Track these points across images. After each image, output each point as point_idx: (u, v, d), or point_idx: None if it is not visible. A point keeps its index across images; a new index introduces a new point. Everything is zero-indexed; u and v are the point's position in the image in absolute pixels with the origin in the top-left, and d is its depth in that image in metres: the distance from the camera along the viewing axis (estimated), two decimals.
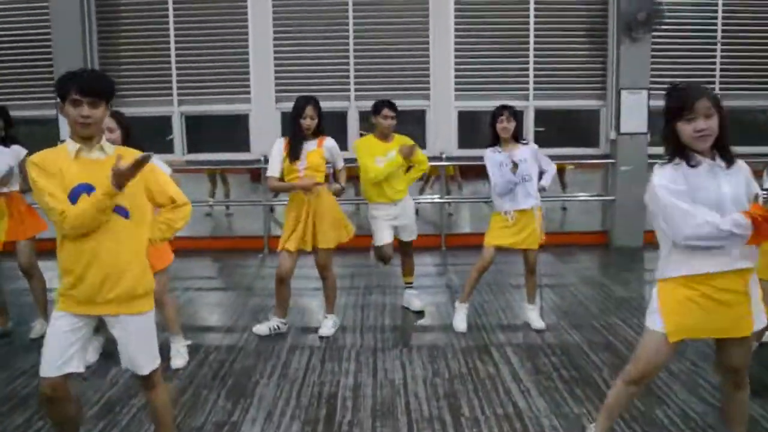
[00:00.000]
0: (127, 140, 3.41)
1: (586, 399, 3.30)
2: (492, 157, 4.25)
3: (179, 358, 3.81)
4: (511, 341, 4.20)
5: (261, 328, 4.34)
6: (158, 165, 3.58)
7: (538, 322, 4.39)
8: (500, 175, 4.17)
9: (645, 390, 2.94)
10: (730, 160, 2.23)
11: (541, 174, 4.36)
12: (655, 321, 2.31)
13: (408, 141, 4.54)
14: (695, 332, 2.33)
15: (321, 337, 4.30)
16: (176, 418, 3.09)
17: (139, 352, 2.32)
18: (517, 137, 4.31)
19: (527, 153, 4.27)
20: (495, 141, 4.30)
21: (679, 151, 2.24)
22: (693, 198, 2.14)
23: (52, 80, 6.83)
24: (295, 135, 4.12)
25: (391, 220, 4.58)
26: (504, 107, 4.25)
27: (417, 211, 5.64)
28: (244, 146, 7.21)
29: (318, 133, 4.18)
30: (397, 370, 3.72)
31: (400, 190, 4.58)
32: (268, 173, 4.17)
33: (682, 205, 2.12)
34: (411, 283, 4.96)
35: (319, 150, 4.16)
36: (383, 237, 4.57)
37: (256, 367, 3.83)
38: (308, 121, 4.09)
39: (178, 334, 3.88)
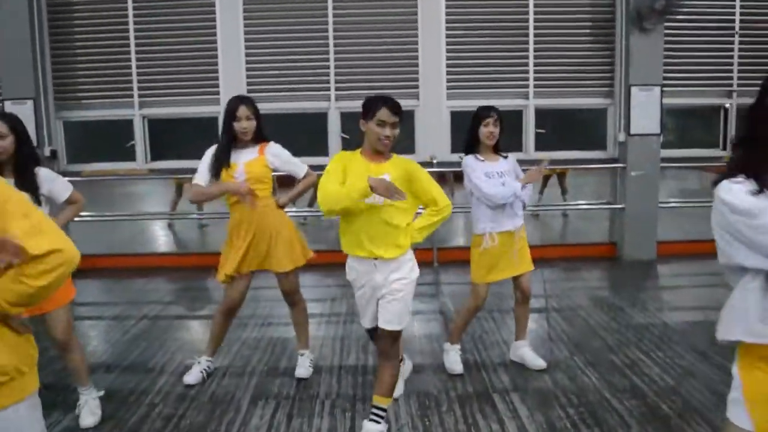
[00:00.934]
0: (21, 147, 2.73)
1: None
2: (476, 165, 3.55)
3: (89, 415, 3.10)
4: (517, 385, 3.51)
5: (191, 377, 3.61)
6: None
7: (536, 361, 3.71)
8: (493, 185, 3.48)
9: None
10: None
11: None
12: (739, 415, 1.59)
13: (410, 168, 2.82)
14: None
15: (299, 379, 3.61)
16: None
17: None
18: (498, 147, 3.63)
19: (508, 166, 3.60)
20: (472, 147, 3.62)
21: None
22: None
23: None
24: (227, 141, 3.42)
25: (368, 289, 2.88)
26: (491, 108, 3.54)
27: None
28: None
29: (259, 138, 3.49)
30: None
31: (385, 244, 2.78)
32: (194, 180, 3.44)
33: None
34: (380, 409, 2.86)
35: (261, 158, 3.46)
36: (362, 316, 3.02)
37: (209, 424, 3.12)
38: (243, 123, 3.39)
39: (87, 385, 3.17)
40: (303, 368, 3.68)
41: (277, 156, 3.51)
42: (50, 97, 6.29)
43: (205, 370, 3.66)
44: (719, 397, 3.07)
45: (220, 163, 3.40)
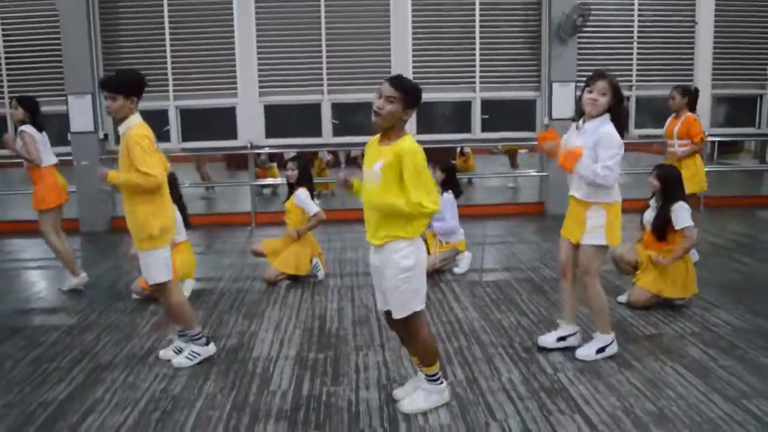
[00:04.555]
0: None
1: (507, 311, 4.58)
2: (450, 200, 5.40)
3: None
4: (459, 281, 5.45)
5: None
6: None
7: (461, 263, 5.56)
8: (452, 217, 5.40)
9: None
10: None
11: None
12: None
13: (402, 153, 2.73)
14: None
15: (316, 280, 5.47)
16: (207, 330, 4.26)
17: None
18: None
19: None
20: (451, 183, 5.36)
21: None
22: None
23: (61, 78, 7.85)
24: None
25: (373, 272, 3.04)
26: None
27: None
28: (232, 135, 8.31)
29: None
30: (369, 299, 4.92)
31: (370, 228, 2.90)
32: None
33: None
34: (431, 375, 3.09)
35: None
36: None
37: (261, 300, 5.00)
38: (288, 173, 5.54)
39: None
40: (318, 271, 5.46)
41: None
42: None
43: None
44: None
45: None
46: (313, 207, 5.34)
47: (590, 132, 3.45)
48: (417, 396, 3.09)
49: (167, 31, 8.10)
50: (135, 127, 3.49)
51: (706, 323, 4.22)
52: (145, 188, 3.45)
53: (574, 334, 3.81)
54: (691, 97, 5.74)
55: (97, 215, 7.99)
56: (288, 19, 8.21)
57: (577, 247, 3.67)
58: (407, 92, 2.77)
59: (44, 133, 5.23)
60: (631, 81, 8.66)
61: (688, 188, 4.97)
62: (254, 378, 3.53)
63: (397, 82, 2.79)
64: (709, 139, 8.30)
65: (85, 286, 5.38)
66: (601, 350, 3.68)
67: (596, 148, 3.42)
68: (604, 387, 3.31)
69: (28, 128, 5.11)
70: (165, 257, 3.60)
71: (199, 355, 3.72)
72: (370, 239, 2.90)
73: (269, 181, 9.92)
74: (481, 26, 8.39)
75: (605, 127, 3.42)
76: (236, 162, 12.19)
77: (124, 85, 3.49)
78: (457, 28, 8.41)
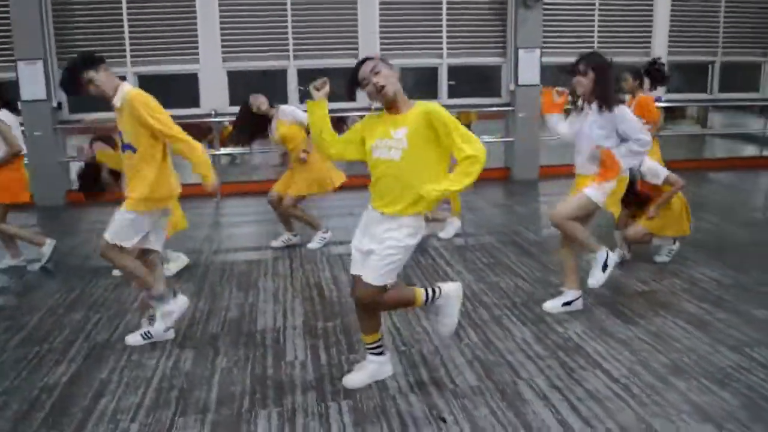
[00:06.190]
0: None
1: (502, 273, 4.63)
2: None
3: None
4: (446, 246, 5.47)
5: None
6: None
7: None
8: None
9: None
10: None
11: None
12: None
13: (429, 113, 2.66)
14: None
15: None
16: (203, 303, 4.12)
17: None
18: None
19: None
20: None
21: None
22: None
23: (9, 44, 7.30)
24: None
25: (362, 238, 2.85)
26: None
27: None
28: (194, 103, 7.96)
29: None
30: None
31: (386, 197, 2.75)
32: None
33: None
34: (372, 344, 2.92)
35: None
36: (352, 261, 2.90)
37: (251, 271, 4.87)
38: None
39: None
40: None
41: None
42: (54, 58, 7.49)
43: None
44: None
45: None
46: (304, 114, 5.05)
47: (607, 120, 3.60)
48: (358, 370, 2.97)
49: None
50: (131, 91, 3.33)
51: (693, 279, 4.40)
52: (194, 146, 3.37)
53: (578, 298, 3.90)
54: (642, 78, 5.32)
55: (53, 189, 7.53)
56: None
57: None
58: (381, 58, 2.79)
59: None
60: (593, 48, 8.80)
61: None
62: (267, 350, 3.44)
63: (380, 59, 2.76)
64: (665, 105, 8.59)
65: (55, 263, 5.11)
66: (567, 304, 3.87)
67: (618, 129, 3.61)
68: (615, 342, 3.41)
69: (4, 115, 4.78)
70: (140, 226, 3.42)
71: (172, 311, 3.55)
72: (381, 207, 2.73)
73: (238, 150, 9.49)
74: None
75: (616, 110, 3.59)
76: (195, 131, 11.70)
77: (79, 69, 3.29)
78: None
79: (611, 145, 3.63)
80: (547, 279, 4.45)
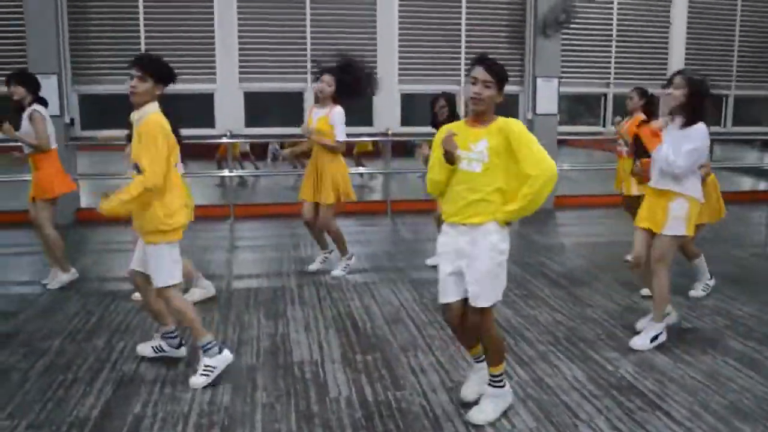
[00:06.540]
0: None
1: (537, 306, 4.50)
2: None
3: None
4: None
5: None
6: None
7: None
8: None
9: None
10: None
11: None
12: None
13: (510, 131, 2.66)
14: None
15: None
16: (232, 332, 3.96)
17: None
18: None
19: None
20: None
21: None
22: None
23: (23, 57, 7.19)
24: None
25: (451, 259, 2.76)
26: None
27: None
28: (209, 123, 7.86)
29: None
30: (391, 296, 4.73)
31: (459, 207, 2.73)
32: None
33: None
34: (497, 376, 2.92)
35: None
36: (441, 290, 2.81)
37: (276, 299, 4.71)
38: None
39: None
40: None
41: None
42: (68, 72, 7.37)
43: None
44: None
45: None
46: (344, 133, 4.98)
47: (684, 135, 3.60)
48: (485, 406, 2.90)
49: (141, 10, 7.55)
50: (154, 114, 3.24)
51: (732, 316, 4.30)
52: (148, 192, 3.15)
53: (661, 332, 3.78)
54: (648, 99, 5.43)
55: (63, 207, 7.30)
56: (271, 2, 7.84)
57: (653, 235, 3.76)
58: (501, 78, 2.75)
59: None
60: (608, 78, 8.82)
61: (634, 190, 5.28)
62: (308, 384, 3.27)
63: (492, 66, 2.72)
64: None
65: (70, 284, 4.95)
66: (654, 338, 3.74)
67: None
68: (669, 382, 3.28)
69: (39, 108, 4.72)
70: (176, 255, 3.33)
71: (214, 368, 3.30)
72: (459, 219, 2.71)
73: (257, 173, 9.40)
74: (467, 19, 8.31)
75: (693, 125, 3.61)
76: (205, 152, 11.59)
77: (158, 68, 3.27)
78: (444, 21, 8.29)
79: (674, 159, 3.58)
80: (585, 313, 4.33)
